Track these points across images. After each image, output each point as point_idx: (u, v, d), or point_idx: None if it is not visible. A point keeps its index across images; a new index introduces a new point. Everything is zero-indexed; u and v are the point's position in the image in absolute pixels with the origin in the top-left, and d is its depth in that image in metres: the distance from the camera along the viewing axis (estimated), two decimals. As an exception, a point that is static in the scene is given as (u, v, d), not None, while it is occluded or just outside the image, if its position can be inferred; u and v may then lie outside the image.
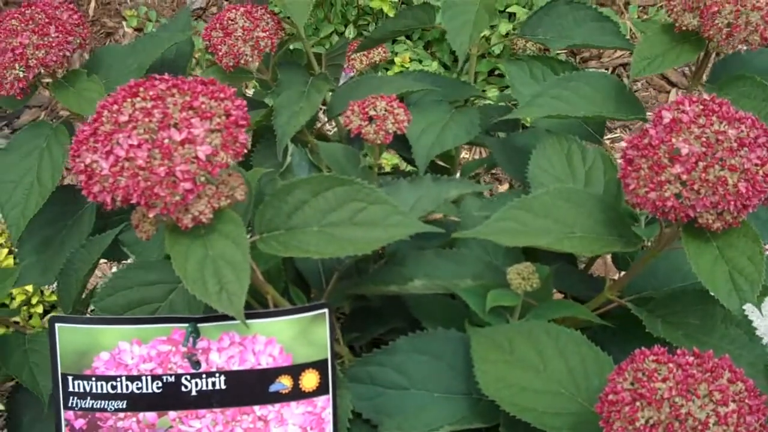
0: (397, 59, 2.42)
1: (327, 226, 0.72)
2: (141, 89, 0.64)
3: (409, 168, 1.40)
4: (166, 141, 0.61)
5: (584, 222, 0.76)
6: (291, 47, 1.21)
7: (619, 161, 0.72)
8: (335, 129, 1.28)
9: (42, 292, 2.10)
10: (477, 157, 2.23)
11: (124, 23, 2.75)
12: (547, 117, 0.94)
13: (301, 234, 0.72)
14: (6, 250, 2.14)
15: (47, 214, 1.04)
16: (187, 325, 0.72)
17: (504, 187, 2.21)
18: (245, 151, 0.65)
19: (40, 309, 2.10)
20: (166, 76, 0.67)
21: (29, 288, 2.07)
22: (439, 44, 2.56)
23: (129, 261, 1.03)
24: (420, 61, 2.49)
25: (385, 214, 0.72)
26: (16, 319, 1.78)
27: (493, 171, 2.17)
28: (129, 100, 0.64)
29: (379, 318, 0.99)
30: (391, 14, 2.53)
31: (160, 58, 1.09)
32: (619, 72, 2.60)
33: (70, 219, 1.14)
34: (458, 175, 1.32)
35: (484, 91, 2.32)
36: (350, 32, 2.55)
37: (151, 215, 0.63)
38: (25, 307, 2.12)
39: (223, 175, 0.67)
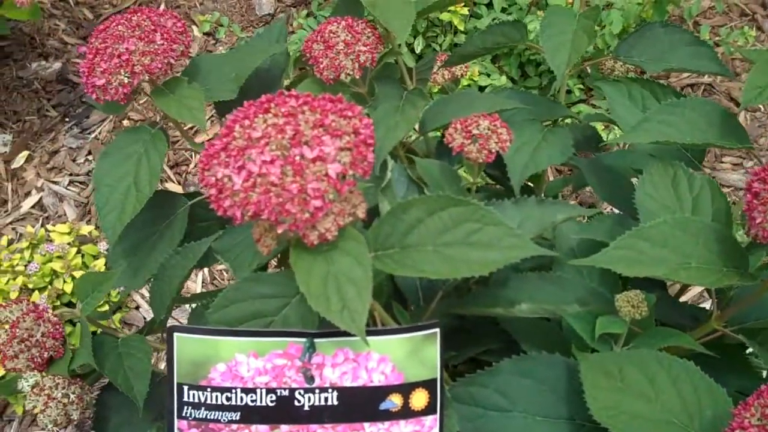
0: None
1: (441, 246, 0.72)
2: (272, 105, 0.65)
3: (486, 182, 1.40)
4: (298, 158, 0.62)
5: (701, 253, 0.76)
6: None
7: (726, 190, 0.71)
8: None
9: (108, 292, 2.13)
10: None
11: (194, 28, 2.78)
12: (654, 143, 0.93)
13: (415, 253, 0.72)
14: (75, 249, 2.17)
15: (138, 218, 1.04)
16: (304, 339, 0.72)
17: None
18: (371, 170, 0.65)
19: (105, 308, 2.13)
20: (294, 92, 0.67)
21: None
22: (506, 58, 2.56)
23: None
24: (488, 75, 2.49)
25: (500, 236, 0.72)
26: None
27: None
28: (261, 115, 0.64)
29: (475, 337, 0.99)
30: (461, 27, 2.54)
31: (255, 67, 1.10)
32: (686, 92, 2.58)
33: (162, 224, 1.14)
34: (543, 194, 1.31)
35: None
36: (419, 44, 2.56)
37: (279, 231, 0.63)
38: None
39: (346, 193, 0.67)
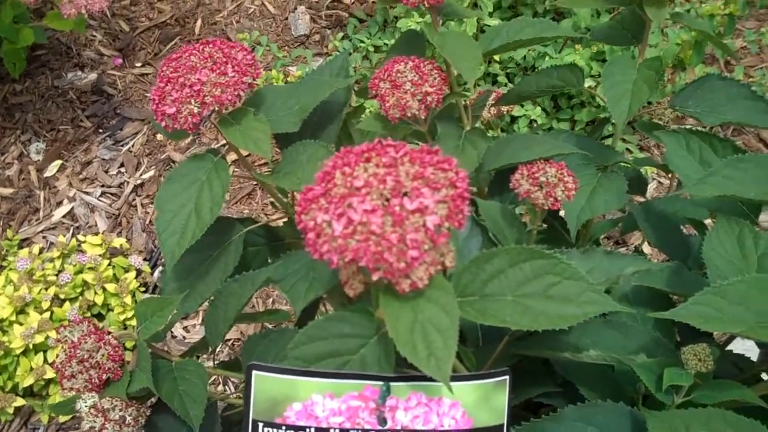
0: (500, 104, 2.43)
1: (521, 297, 0.74)
2: (373, 155, 0.66)
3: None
4: (398, 209, 0.63)
5: (777, 312, 0.77)
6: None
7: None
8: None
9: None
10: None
11: (230, 45, 2.80)
12: (718, 197, 0.94)
13: (495, 302, 0.74)
14: (106, 261, 2.18)
15: (194, 242, 1.06)
16: (381, 383, 0.73)
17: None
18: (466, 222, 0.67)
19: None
20: (390, 140, 0.68)
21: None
22: (539, 90, 2.57)
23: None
24: (522, 106, 2.51)
25: (579, 291, 0.74)
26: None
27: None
28: (362, 164, 0.65)
29: (532, 379, 1.00)
30: (497, 57, 2.56)
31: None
32: (715, 132, 2.59)
33: (216, 249, 1.16)
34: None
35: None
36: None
37: (374, 278, 0.64)
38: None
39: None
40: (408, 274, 0.65)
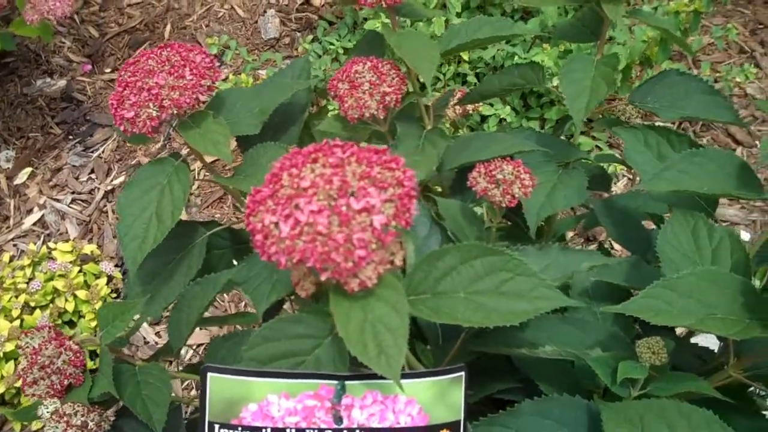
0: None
1: (473, 294, 0.74)
2: (320, 155, 0.66)
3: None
4: (344, 208, 0.63)
5: (727, 304, 0.78)
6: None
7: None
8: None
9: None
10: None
11: (199, 49, 2.79)
12: (674, 191, 0.95)
13: (447, 299, 0.74)
14: (77, 268, 2.17)
15: (157, 246, 1.05)
16: (335, 382, 0.74)
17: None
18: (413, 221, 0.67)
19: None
20: (338, 141, 0.69)
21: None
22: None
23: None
24: (491, 105, 2.52)
25: (531, 286, 0.74)
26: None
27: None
28: (309, 165, 0.66)
29: (492, 376, 1.01)
30: (465, 57, 2.57)
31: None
32: (684, 127, 2.60)
33: (179, 253, 1.16)
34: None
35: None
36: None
37: (323, 278, 0.65)
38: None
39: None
40: (356, 273, 0.66)
